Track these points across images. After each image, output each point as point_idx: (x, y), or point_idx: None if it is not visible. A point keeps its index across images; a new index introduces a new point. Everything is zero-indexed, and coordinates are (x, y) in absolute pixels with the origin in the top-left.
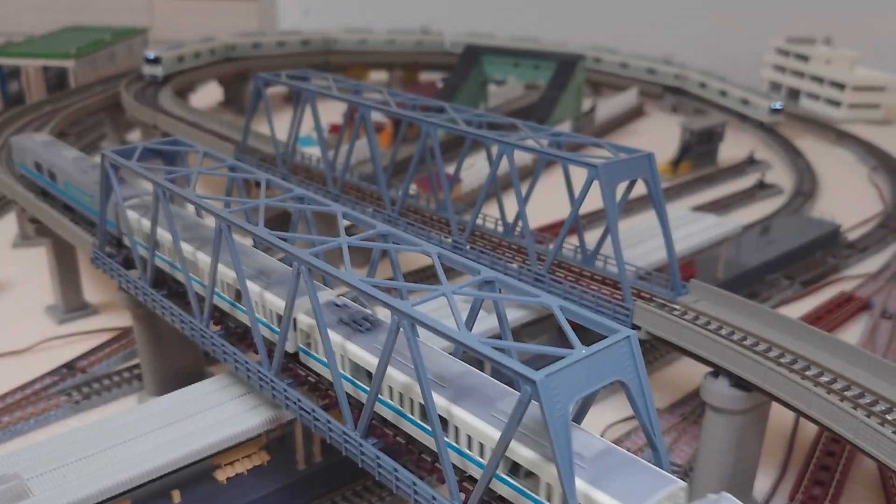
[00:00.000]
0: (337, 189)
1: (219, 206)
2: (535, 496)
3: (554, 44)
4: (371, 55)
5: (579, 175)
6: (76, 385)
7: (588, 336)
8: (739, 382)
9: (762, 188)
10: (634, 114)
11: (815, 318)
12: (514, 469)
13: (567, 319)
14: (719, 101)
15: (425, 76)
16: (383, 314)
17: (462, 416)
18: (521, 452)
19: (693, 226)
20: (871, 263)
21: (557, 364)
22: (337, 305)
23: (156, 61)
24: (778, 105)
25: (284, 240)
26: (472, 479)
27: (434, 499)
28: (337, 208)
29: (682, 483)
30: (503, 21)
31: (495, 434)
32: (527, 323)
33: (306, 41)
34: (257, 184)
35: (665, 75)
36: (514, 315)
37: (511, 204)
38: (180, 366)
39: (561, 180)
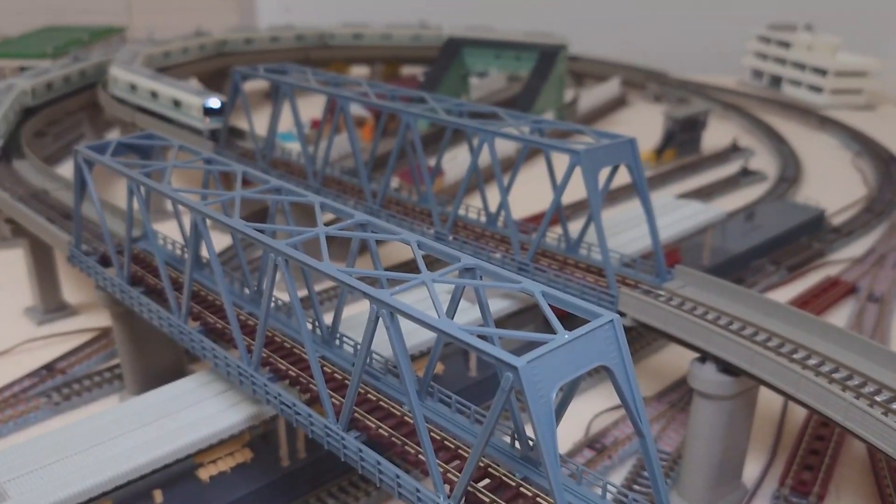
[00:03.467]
0: (317, 183)
1: (195, 199)
2: None
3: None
4: (367, 50)
5: (562, 163)
6: (56, 386)
7: (575, 325)
8: (727, 367)
9: (746, 175)
10: (617, 103)
11: (802, 302)
12: None
13: (551, 306)
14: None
15: (407, 70)
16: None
17: None
18: None
19: (677, 212)
20: (857, 247)
21: (539, 349)
22: None
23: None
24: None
25: (261, 231)
26: (457, 474)
27: (418, 491)
28: (314, 198)
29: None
30: (493, 15)
31: None
32: (512, 313)
33: (275, 38)
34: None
35: None
36: (499, 305)
37: (494, 194)
38: (161, 364)
39: (545, 170)
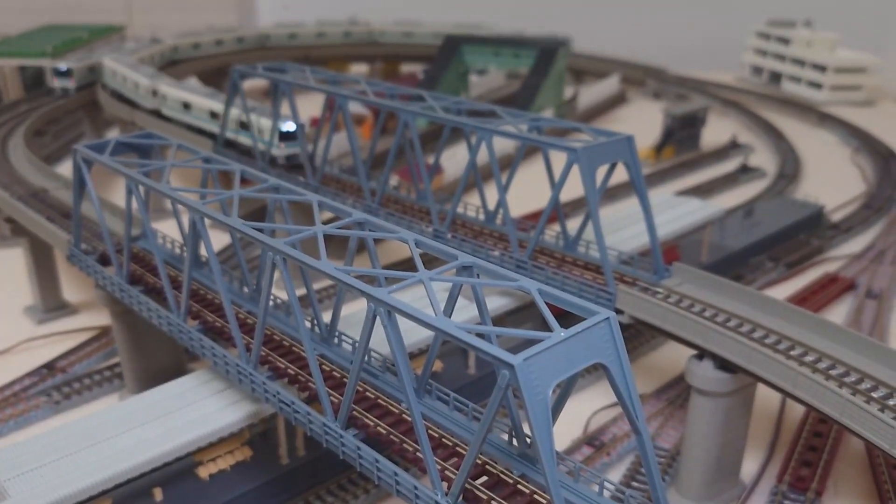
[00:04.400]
0: (316, 181)
1: (194, 197)
2: None
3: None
4: (302, 50)
5: (560, 161)
6: (56, 385)
7: (573, 323)
8: (724, 364)
9: (745, 171)
10: (617, 100)
11: (801, 299)
12: None
13: (548, 304)
14: None
15: (406, 68)
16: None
17: None
18: None
19: (676, 210)
20: (856, 244)
21: (536, 347)
22: None
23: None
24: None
25: (259, 230)
26: (454, 471)
27: (416, 489)
28: (312, 197)
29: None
30: (486, 12)
31: None
32: (510, 311)
33: (219, 41)
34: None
35: None
36: (497, 303)
37: (493, 192)
38: (161, 363)
39: (543, 168)
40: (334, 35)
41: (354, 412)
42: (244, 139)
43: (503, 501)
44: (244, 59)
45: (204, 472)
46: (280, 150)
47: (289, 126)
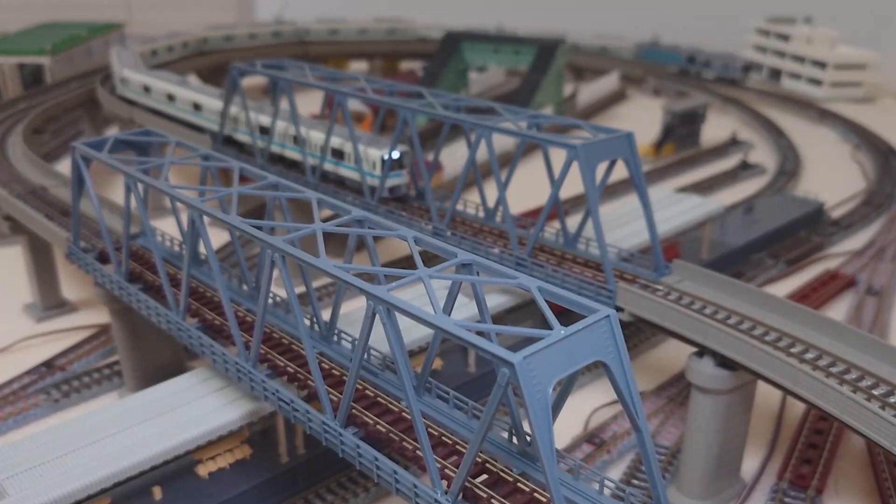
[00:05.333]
0: (315, 178)
1: (193, 195)
2: None
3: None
4: (241, 52)
5: (560, 158)
6: (55, 383)
7: (573, 320)
8: (724, 362)
9: (745, 168)
10: (616, 98)
11: (801, 296)
12: None
13: (548, 302)
14: None
15: (405, 65)
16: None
17: None
18: None
19: (676, 206)
20: (856, 241)
21: (536, 345)
22: None
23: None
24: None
25: (259, 228)
26: (454, 469)
27: (416, 487)
28: (311, 195)
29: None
30: (482, 11)
31: None
32: (510, 308)
33: (154, 52)
34: None
35: None
36: (497, 301)
37: (492, 189)
38: (160, 361)
39: (543, 165)
40: (265, 35)
41: (354, 410)
42: (292, 153)
43: (503, 500)
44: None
45: (203, 470)
46: (386, 181)
47: (394, 153)
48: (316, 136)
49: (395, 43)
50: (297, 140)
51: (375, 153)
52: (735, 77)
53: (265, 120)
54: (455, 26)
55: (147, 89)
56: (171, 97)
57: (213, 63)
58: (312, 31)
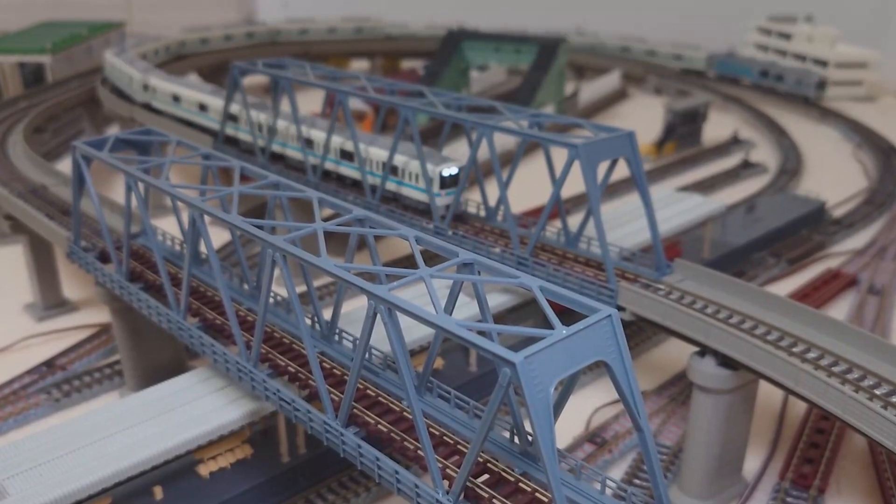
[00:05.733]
0: (316, 177)
1: (193, 194)
2: None
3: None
4: (210, 56)
5: (561, 157)
6: (56, 383)
7: (575, 319)
8: (726, 361)
9: (747, 167)
10: (618, 96)
11: (803, 295)
12: None
13: (549, 301)
14: None
15: (406, 63)
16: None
17: None
18: None
19: (677, 206)
20: (858, 240)
21: (537, 345)
22: None
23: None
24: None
25: (259, 227)
26: (456, 469)
27: (417, 487)
28: (312, 194)
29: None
30: (483, 10)
31: None
32: (511, 308)
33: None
34: None
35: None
36: (499, 300)
37: (493, 188)
38: (161, 360)
39: (544, 164)
40: (240, 37)
41: (355, 410)
42: (347, 170)
43: (504, 499)
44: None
45: (204, 470)
46: (441, 199)
47: (451, 169)
48: (376, 152)
49: (363, 42)
50: (349, 156)
51: (432, 168)
52: (808, 94)
53: (317, 135)
54: (441, 24)
55: (177, 99)
56: (202, 107)
57: (193, 66)
58: (283, 32)
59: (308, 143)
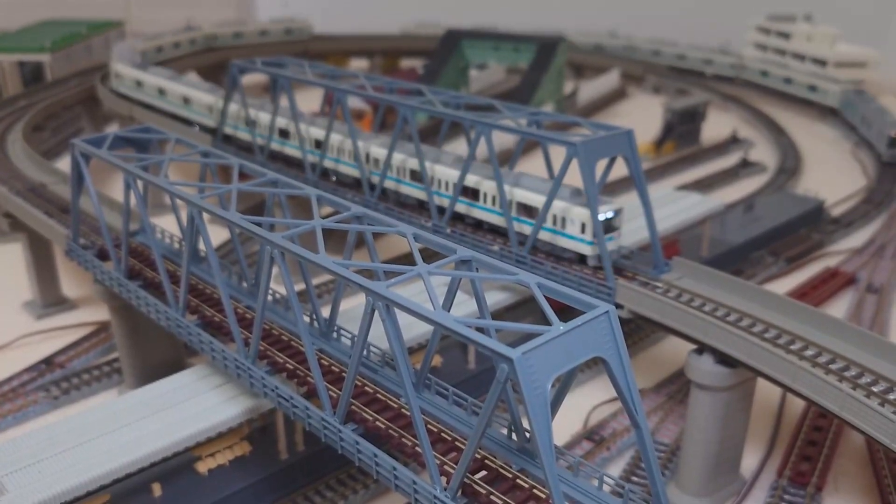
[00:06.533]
0: (315, 176)
1: (192, 192)
2: None
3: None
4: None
5: (560, 155)
6: (55, 380)
7: (573, 317)
8: (724, 359)
9: (746, 166)
10: (617, 95)
11: (801, 293)
12: None
13: (548, 299)
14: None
15: (406, 63)
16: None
17: None
18: None
19: (676, 204)
20: (856, 238)
21: (534, 341)
22: None
23: None
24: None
25: (258, 224)
26: (453, 466)
27: (415, 483)
28: (311, 191)
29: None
30: (483, 11)
31: None
32: (510, 305)
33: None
34: None
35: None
36: (497, 298)
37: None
38: (160, 358)
39: (543, 162)
40: (185, 44)
41: (353, 407)
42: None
43: (502, 496)
44: None
45: (203, 467)
46: (592, 249)
47: (608, 212)
48: (488, 185)
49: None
50: (473, 193)
51: (581, 212)
52: (880, 149)
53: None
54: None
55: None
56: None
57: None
58: (220, 37)
59: (416, 175)
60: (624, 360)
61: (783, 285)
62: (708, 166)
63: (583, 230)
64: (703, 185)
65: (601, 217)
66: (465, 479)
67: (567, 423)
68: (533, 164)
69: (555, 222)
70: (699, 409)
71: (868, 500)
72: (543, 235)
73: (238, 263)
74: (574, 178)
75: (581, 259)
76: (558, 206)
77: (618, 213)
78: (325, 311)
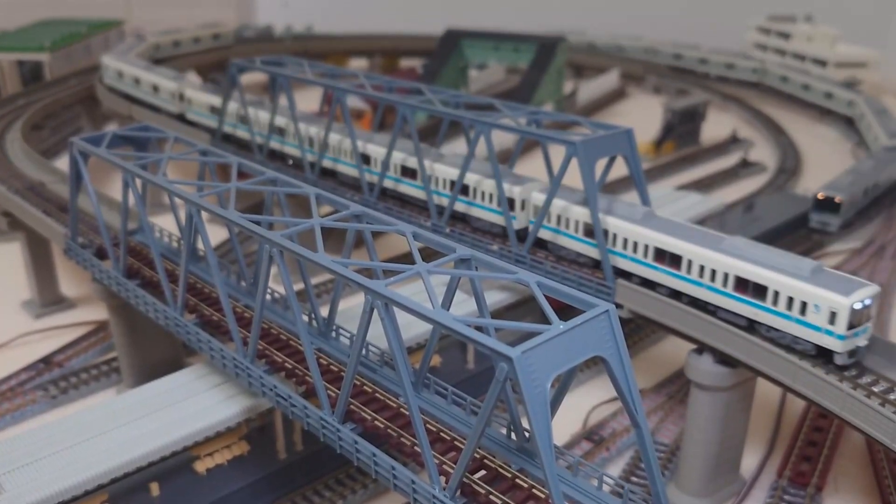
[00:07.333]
0: (315, 175)
1: (191, 190)
2: None
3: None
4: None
5: (559, 154)
6: (53, 380)
7: (573, 316)
8: (724, 359)
9: (745, 166)
10: (616, 95)
11: None
12: None
13: (547, 298)
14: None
15: (405, 62)
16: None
17: None
18: None
19: (676, 204)
20: (856, 238)
21: (534, 340)
22: None
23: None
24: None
25: (257, 223)
26: (452, 465)
27: (414, 483)
28: (310, 189)
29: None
30: (481, 11)
31: None
32: (510, 305)
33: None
34: None
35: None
36: (496, 298)
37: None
38: (158, 357)
39: (542, 161)
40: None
41: (352, 406)
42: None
43: (501, 495)
44: None
45: (201, 466)
46: (842, 345)
47: (866, 299)
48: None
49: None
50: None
51: (842, 301)
52: None
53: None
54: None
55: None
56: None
57: None
58: (161, 46)
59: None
60: (624, 359)
61: None
62: (708, 166)
63: (832, 321)
64: (702, 186)
65: (857, 306)
66: (465, 479)
67: (567, 423)
68: (533, 164)
69: (789, 306)
70: (699, 409)
71: (868, 500)
72: (765, 318)
73: (237, 262)
74: (574, 177)
75: (822, 354)
76: (781, 281)
77: (875, 298)
78: (324, 311)
